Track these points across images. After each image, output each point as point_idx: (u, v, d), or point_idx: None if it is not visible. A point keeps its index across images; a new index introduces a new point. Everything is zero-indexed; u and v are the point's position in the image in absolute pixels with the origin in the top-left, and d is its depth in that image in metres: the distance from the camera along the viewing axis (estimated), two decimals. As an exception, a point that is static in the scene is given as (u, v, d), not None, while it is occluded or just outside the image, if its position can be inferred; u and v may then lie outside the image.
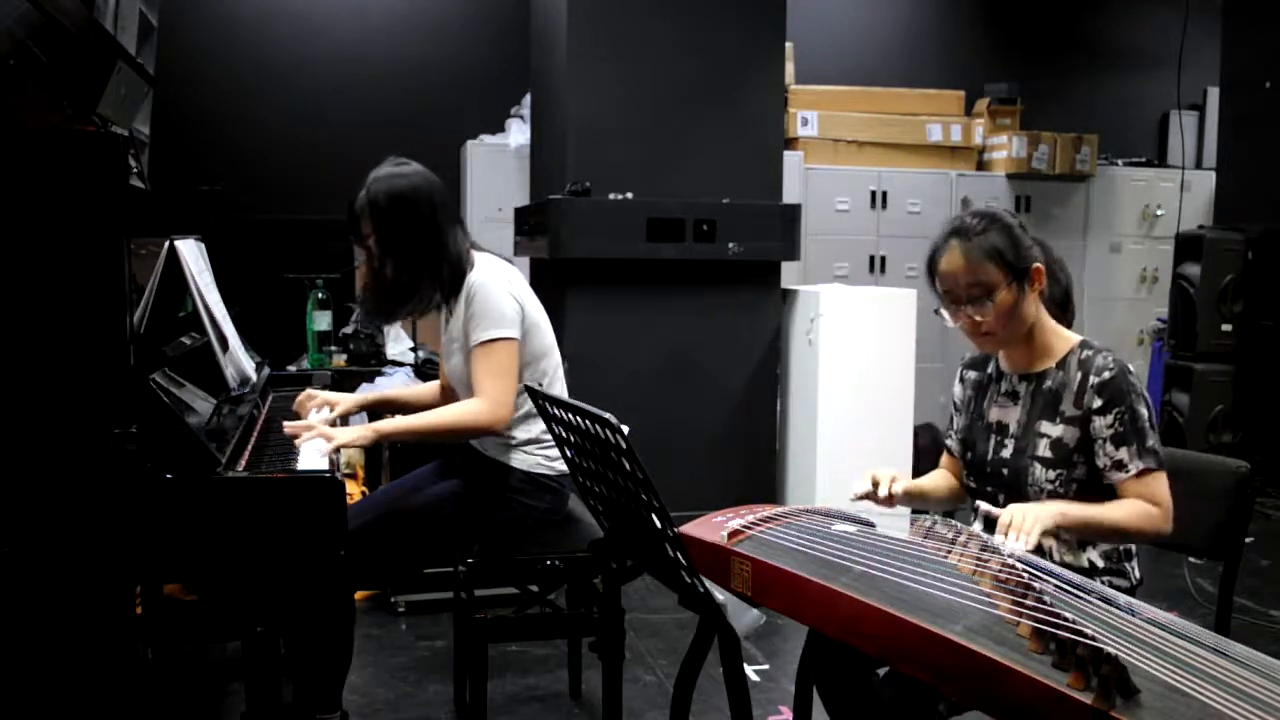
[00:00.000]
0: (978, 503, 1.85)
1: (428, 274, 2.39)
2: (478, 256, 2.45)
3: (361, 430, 2.28)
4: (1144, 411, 1.86)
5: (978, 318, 1.89)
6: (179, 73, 5.09)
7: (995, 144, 6.37)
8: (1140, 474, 1.83)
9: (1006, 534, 1.66)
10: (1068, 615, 1.26)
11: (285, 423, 2.28)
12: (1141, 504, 1.81)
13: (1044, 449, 1.90)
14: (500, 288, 2.37)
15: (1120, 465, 1.84)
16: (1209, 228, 5.68)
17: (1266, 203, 5.51)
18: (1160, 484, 1.84)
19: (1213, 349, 5.46)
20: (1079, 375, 1.90)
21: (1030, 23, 7.02)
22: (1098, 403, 1.86)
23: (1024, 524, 1.67)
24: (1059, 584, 1.44)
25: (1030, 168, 6.30)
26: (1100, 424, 1.86)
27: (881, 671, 1.84)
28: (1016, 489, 1.93)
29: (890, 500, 1.92)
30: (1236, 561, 1.94)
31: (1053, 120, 6.58)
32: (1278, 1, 5.52)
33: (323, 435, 2.19)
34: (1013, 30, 6.99)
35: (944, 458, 2.19)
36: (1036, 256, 1.91)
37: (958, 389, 2.15)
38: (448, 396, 2.59)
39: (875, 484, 1.92)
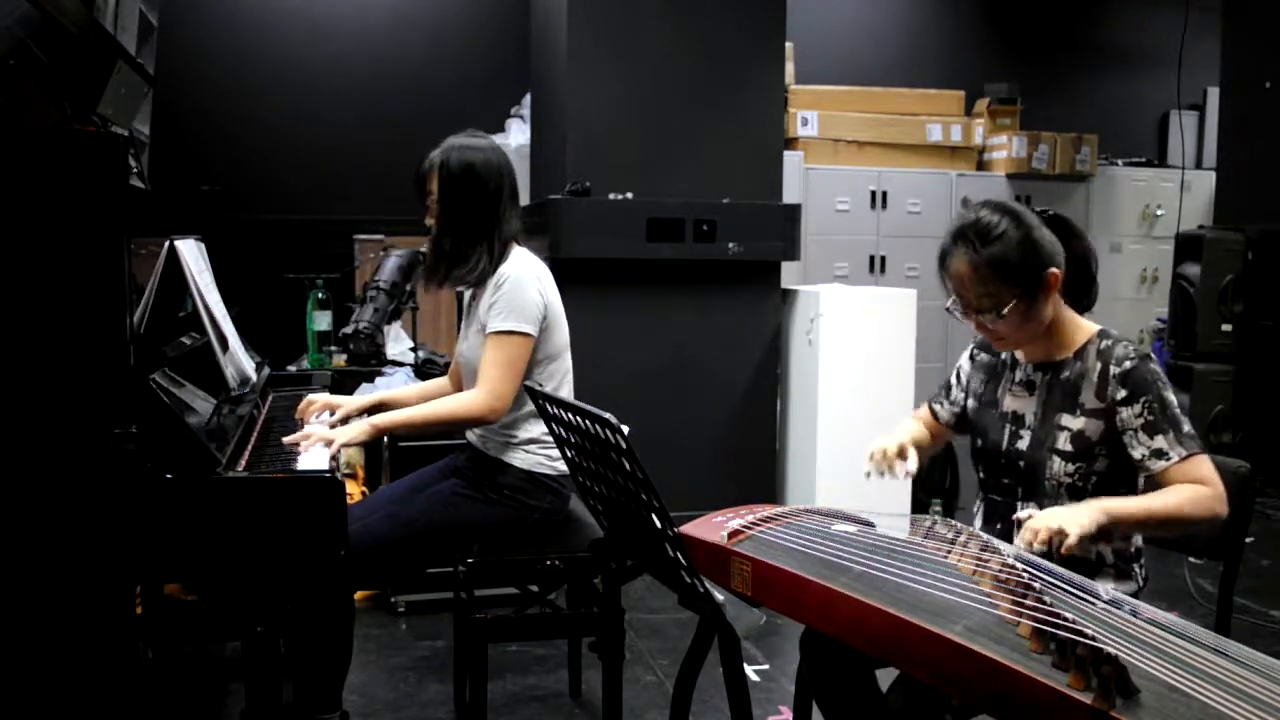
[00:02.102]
0: (1017, 515, 1.73)
1: (482, 245, 2.44)
2: (515, 249, 2.49)
3: (359, 426, 2.30)
4: (1172, 399, 1.82)
5: (989, 325, 1.87)
6: (179, 73, 5.09)
7: (995, 144, 6.37)
8: (1183, 460, 1.77)
9: (1028, 542, 1.61)
10: (1068, 615, 1.26)
11: (285, 438, 2.28)
12: (1190, 487, 1.75)
13: (1064, 442, 1.86)
14: (530, 283, 2.40)
15: (1160, 454, 1.78)
16: (1209, 228, 5.68)
17: (1266, 203, 5.50)
18: (1206, 466, 1.78)
19: (1213, 349, 5.46)
20: (1099, 365, 1.86)
21: (1030, 23, 7.03)
22: (1122, 393, 1.82)
23: (1045, 524, 1.61)
24: (1059, 584, 1.44)
25: (1030, 168, 6.30)
26: (1128, 415, 1.81)
27: (880, 672, 1.84)
28: (1032, 482, 1.90)
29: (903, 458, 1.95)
30: (1236, 561, 1.93)
31: (1053, 120, 6.59)
32: (1278, 1, 5.52)
33: (322, 439, 2.21)
34: (1013, 30, 7.00)
35: (923, 413, 2.18)
36: (1051, 260, 1.84)
37: (965, 364, 2.12)
38: (456, 389, 2.60)
39: (889, 464, 1.93)
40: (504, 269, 2.42)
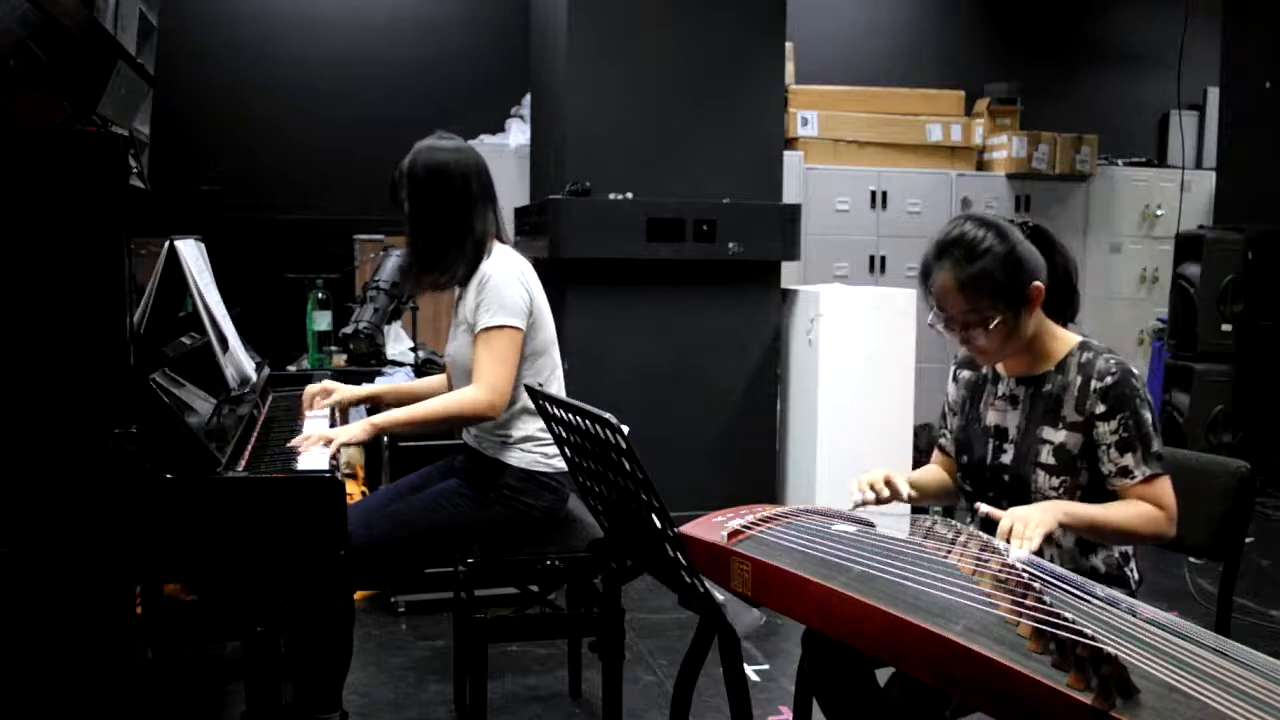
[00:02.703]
0: (977, 504, 1.80)
1: (454, 247, 2.43)
2: (497, 246, 2.48)
3: (358, 425, 2.29)
4: (1148, 416, 1.82)
5: (973, 340, 1.87)
6: (179, 73, 5.08)
7: (995, 144, 6.37)
8: (1145, 480, 1.80)
9: (1008, 540, 1.63)
10: (1068, 615, 1.26)
11: (288, 444, 2.27)
12: (1146, 506, 1.79)
13: (1047, 455, 1.87)
14: (513, 278, 2.40)
15: (1125, 472, 1.81)
16: (1209, 228, 5.68)
17: (1266, 203, 5.51)
18: (1165, 488, 1.81)
19: (1213, 349, 5.46)
20: (1079, 379, 1.86)
21: (1030, 23, 7.03)
22: (1100, 408, 1.82)
23: (1025, 530, 1.63)
24: (1059, 584, 1.44)
25: (1030, 168, 6.30)
26: (1104, 429, 1.82)
27: (880, 671, 1.84)
28: (1018, 495, 1.89)
29: (893, 499, 1.91)
30: (1236, 561, 1.93)
31: (1053, 120, 6.59)
32: (1278, 1, 5.52)
33: (321, 439, 2.20)
34: (1013, 30, 7.00)
35: (936, 455, 2.16)
36: (1035, 274, 1.84)
37: (951, 389, 2.12)
38: (453, 387, 2.60)
39: (875, 490, 1.88)
40: (485, 267, 2.42)
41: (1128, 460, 1.81)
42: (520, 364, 2.41)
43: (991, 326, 1.83)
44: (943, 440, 2.14)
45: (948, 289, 1.84)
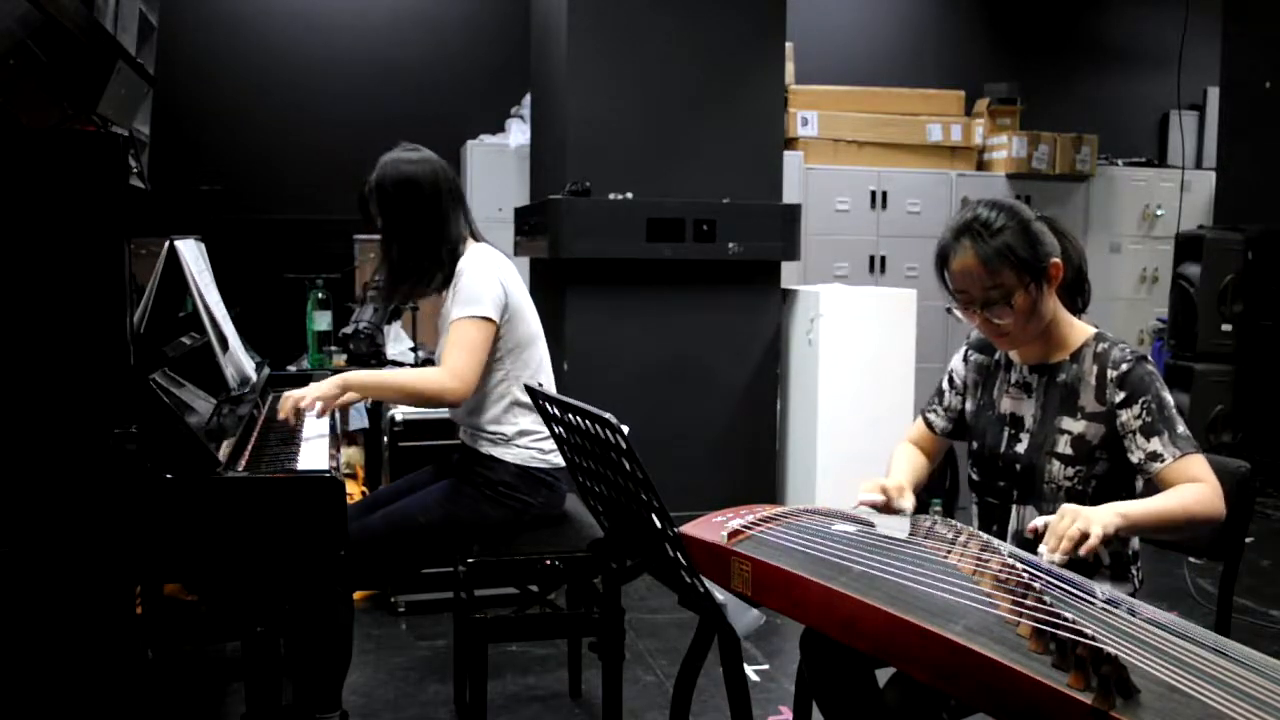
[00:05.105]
0: (1037, 520, 1.69)
1: (429, 257, 2.45)
2: (472, 245, 2.50)
3: (330, 381, 2.31)
4: (1169, 399, 1.81)
5: (996, 320, 1.85)
6: (179, 73, 5.09)
7: (995, 144, 6.37)
8: (1178, 460, 1.76)
9: (1051, 543, 1.58)
10: (1068, 615, 1.26)
11: (279, 415, 2.31)
12: (1192, 486, 1.73)
13: (1064, 445, 1.86)
14: (486, 272, 2.41)
15: (1155, 456, 1.78)
16: (1209, 228, 5.69)
17: (1266, 203, 5.51)
18: (1201, 465, 1.77)
19: (1213, 349, 5.47)
20: (1095, 369, 1.86)
21: (1030, 23, 7.03)
22: (1120, 396, 1.82)
23: (1069, 528, 1.58)
24: (1059, 584, 1.44)
25: (1030, 168, 6.30)
26: (1127, 416, 1.81)
27: (880, 672, 1.84)
28: (1029, 484, 1.89)
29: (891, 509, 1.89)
30: (1236, 561, 1.93)
31: (1053, 120, 6.59)
32: (1278, 1, 5.52)
33: (294, 400, 2.26)
34: (1013, 30, 7.00)
35: (917, 429, 2.13)
36: (1053, 251, 1.85)
37: (959, 366, 2.09)
38: None
39: (885, 495, 1.87)
40: (461, 264, 2.44)
41: (1155, 445, 1.78)
42: (504, 358, 2.44)
43: (1015, 301, 1.82)
44: (932, 416, 2.12)
45: (969, 267, 1.83)
